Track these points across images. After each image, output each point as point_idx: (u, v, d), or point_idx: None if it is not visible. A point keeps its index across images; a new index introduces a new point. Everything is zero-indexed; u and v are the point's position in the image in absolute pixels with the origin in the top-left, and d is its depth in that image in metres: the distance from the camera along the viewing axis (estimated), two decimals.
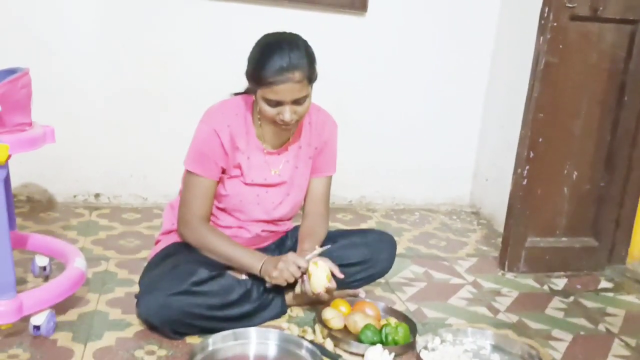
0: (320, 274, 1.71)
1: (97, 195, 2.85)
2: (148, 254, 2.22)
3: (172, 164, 2.78)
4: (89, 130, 2.75)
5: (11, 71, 1.69)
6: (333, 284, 1.75)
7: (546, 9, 2.29)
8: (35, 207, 2.71)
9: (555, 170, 2.45)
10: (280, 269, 1.73)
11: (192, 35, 2.77)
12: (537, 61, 2.35)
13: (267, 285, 1.78)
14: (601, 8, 2.31)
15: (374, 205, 3.21)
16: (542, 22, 2.31)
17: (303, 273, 1.75)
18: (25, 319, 1.61)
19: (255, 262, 1.77)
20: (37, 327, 1.62)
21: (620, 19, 2.37)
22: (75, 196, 2.82)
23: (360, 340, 1.73)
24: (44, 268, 1.99)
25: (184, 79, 2.79)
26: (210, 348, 1.62)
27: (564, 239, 2.53)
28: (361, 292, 2.04)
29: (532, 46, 2.38)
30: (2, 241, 1.52)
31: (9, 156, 1.51)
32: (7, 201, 1.55)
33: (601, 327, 2.07)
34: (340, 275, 1.77)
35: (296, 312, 1.93)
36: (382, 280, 2.18)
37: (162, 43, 2.75)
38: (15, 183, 2.47)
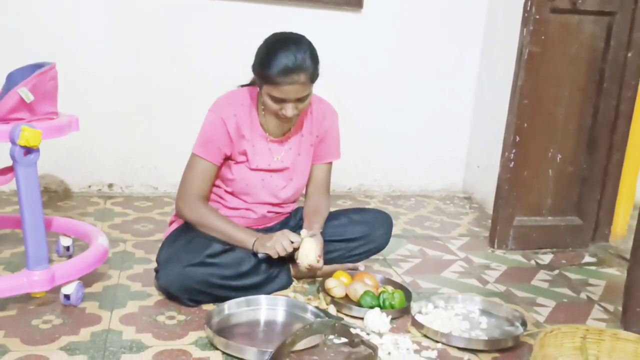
0: (306, 251, 1.88)
1: (110, 185, 3.01)
2: (162, 236, 2.39)
3: (181, 156, 2.94)
4: (102, 124, 2.91)
5: (39, 65, 1.85)
6: (318, 265, 1.91)
7: (529, 3, 2.46)
8: (53, 197, 2.88)
9: (540, 153, 2.62)
10: (275, 240, 1.88)
11: (198, 32, 2.94)
12: (521, 52, 2.52)
13: (260, 256, 1.92)
14: (580, 1, 2.48)
15: (372, 192, 3.38)
16: (525, 14, 2.49)
17: (295, 248, 1.90)
18: (56, 290, 1.78)
19: (249, 237, 1.92)
20: (67, 297, 1.78)
21: (598, 11, 2.54)
22: (89, 186, 2.99)
23: (360, 305, 1.90)
24: (68, 248, 2.16)
25: (192, 74, 2.96)
26: (225, 312, 1.79)
27: (549, 218, 2.70)
28: (360, 265, 2.21)
29: (517, 37, 2.55)
30: (36, 218, 1.69)
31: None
32: None
33: (583, 295, 2.24)
34: (318, 266, 1.92)
35: (301, 283, 2.09)
36: (380, 256, 2.35)
37: (172, 39, 2.92)
38: None
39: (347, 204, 3.14)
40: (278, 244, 1.87)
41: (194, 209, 1.95)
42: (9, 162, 1.77)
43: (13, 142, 1.64)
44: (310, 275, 2.11)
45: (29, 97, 1.69)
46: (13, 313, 1.74)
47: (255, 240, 1.92)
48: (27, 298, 1.77)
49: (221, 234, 1.93)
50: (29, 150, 1.66)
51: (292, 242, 1.88)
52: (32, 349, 1.56)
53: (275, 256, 1.89)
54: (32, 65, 1.88)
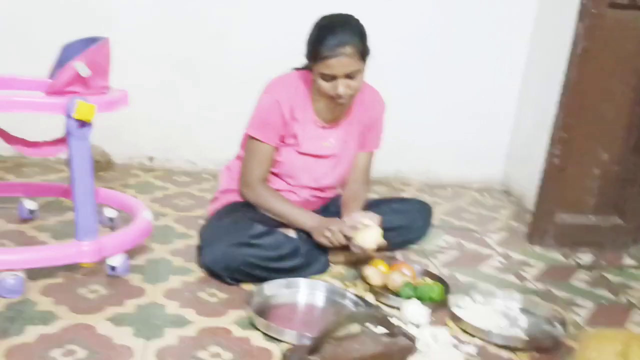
0: (373, 232, 1.89)
1: (151, 159, 3.06)
2: (201, 212, 2.43)
3: (220, 132, 3.00)
4: (145, 97, 2.92)
5: (93, 39, 1.87)
6: (384, 242, 1.93)
7: None
8: (95, 167, 2.90)
9: (586, 151, 2.57)
10: (328, 238, 1.94)
11: (245, 9, 2.94)
12: (574, 46, 2.45)
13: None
14: None
15: (408, 179, 3.36)
16: (582, 8, 2.42)
17: (348, 239, 1.93)
18: (101, 261, 1.81)
19: (308, 220, 1.98)
20: (112, 268, 1.82)
21: None
22: (131, 158, 3.04)
23: (398, 295, 1.90)
24: (112, 219, 2.20)
25: (237, 52, 2.97)
26: (265, 293, 1.81)
27: (591, 217, 2.66)
28: (398, 254, 2.21)
29: (570, 31, 2.48)
30: (87, 190, 1.73)
31: None
32: None
33: (622, 298, 2.21)
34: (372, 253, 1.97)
35: (338, 269, 2.11)
36: (416, 246, 2.34)
37: (219, 16, 2.93)
38: None
39: (383, 190, 3.14)
40: (334, 240, 1.93)
41: (258, 193, 2.01)
42: (54, 133, 1.82)
43: (68, 115, 1.66)
44: (349, 261, 2.12)
45: (85, 71, 1.71)
46: (60, 281, 1.79)
47: (313, 225, 1.97)
48: (74, 267, 1.82)
49: (283, 217, 2.00)
50: (82, 124, 1.69)
51: (347, 237, 1.91)
52: (79, 318, 1.60)
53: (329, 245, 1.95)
54: (86, 39, 1.90)
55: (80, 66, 1.71)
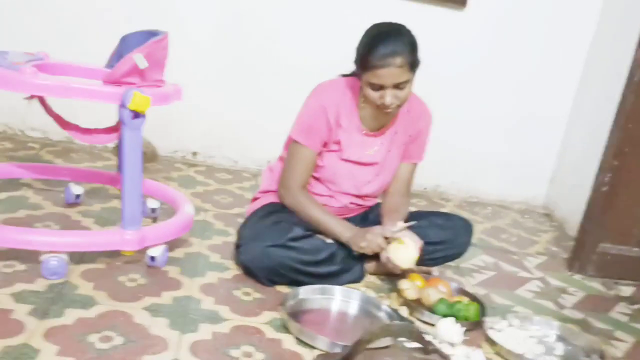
0: (410, 253, 1.87)
1: (194, 154, 3.10)
2: (240, 210, 2.46)
3: (263, 133, 3.03)
4: (193, 94, 2.95)
5: (152, 33, 1.91)
6: (415, 267, 1.92)
7: None
8: None
9: (637, 180, 2.49)
10: (369, 240, 1.91)
11: (298, 12, 2.96)
12: (632, 72, 2.39)
13: (355, 252, 1.95)
14: None
15: (448, 195, 3.32)
16: None
17: (385, 245, 1.91)
18: (141, 251, 1.84)
19: (344, 231, 1.96)
20: (152, 258, 1.85)
21: None
22: (175, 152, 3.08)
23: (432, 312, 1.87)
24: (154, 210, 2.23)
25: (286, 56, 2.99)
26: (300, 297, 1.81)
27: (635, 249, 2.58)
28: (434, 270, 2.18)
29: (628, 56, 2.42)
30: (136, 179, 1.76)
31: None
32: None
33: None
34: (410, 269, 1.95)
35: (373, 279, 2.09)
36: (452, 264, 2.31)
37: (272, 18, 2.95)
38: None
39: (422, 204, 3.11)
40: (373, 243, 1.90)
41: (296, 198, 1.99)
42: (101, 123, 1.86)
43: (123, 105, 1.70)
44: (385, 272, 2.10)
45: (143, 64, 1.74)
46: (102, 267, 1.82)
47: (349, 236, 1.95)
48: (114, 254, 1.85)
49: (320, 225, 1.97)
50: (136, 115, 1.72)
51: (386, 238, 1.89)
52: (117, 305, 1.63)
53: (370, 254, 1.93)
54: (145, 32, 1.94)
55: (139, 58, 1.74)
